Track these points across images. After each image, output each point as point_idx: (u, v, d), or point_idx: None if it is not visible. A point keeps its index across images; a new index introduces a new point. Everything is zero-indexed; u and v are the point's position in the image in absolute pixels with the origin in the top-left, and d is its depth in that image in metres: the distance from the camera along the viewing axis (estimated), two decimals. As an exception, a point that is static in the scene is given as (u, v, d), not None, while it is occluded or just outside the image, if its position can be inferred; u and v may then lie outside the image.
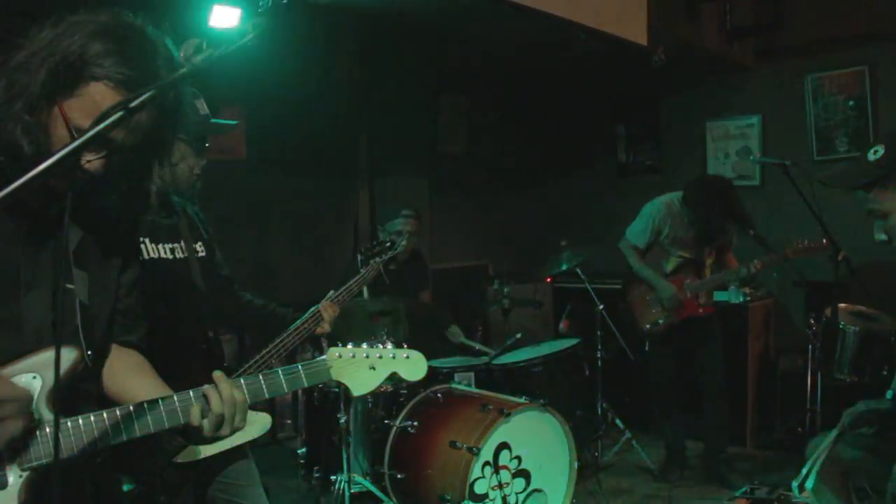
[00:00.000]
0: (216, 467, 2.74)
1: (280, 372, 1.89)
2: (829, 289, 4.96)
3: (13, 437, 1.49)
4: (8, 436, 1.49)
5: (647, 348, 5.31)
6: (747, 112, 6.82)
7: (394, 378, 2.05)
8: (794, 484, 2.88)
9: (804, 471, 2.91)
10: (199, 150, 2.72)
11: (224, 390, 1.78)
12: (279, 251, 6.10)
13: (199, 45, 1.45)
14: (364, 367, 2.01)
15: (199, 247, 2.81)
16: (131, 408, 1.67)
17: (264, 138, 5.75)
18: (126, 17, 1.62)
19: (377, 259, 3.37)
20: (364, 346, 2.03)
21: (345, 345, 2.02)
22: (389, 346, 2.06)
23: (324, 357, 1.99)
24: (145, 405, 1.69)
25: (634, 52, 5.42)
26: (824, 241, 4.54)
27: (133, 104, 1.36)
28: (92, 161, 1.56)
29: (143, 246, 2.62)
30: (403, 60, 6.38)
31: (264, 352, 2.87)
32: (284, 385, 1.88)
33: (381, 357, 2.02)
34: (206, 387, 1.77)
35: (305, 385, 1.93)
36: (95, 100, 1.52)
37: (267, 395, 1.88)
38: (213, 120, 2.77)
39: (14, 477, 1.51)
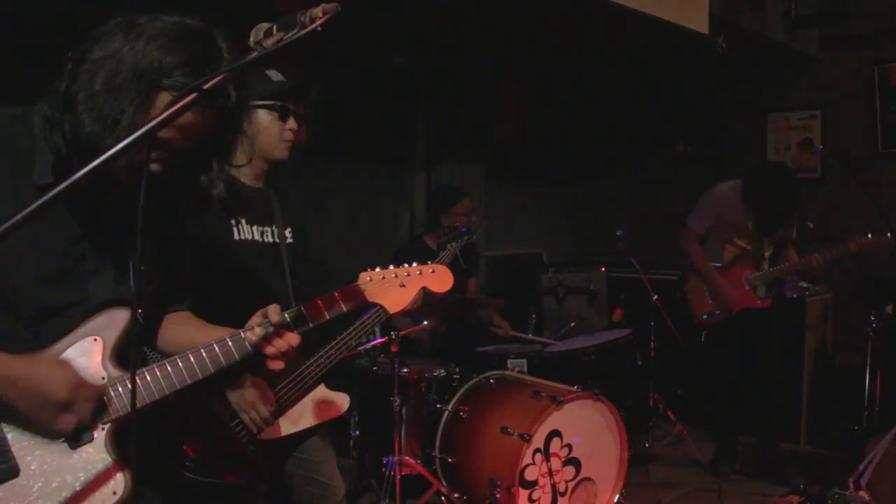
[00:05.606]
0: (293, 443, 2.82)
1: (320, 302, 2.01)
2: (892, 285, 4.88)
3: (81, 422, 1.69)
4: (76, 422, 1.68)
5: (703, 339, 5.21)
6: (810, 103, 6.68)
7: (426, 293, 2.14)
8: (851, 480, 2.85)
9: (861, 467, 2.88)
10: (283, 115, 2.69)
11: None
12: (335, 235, 6.14)
13: (269, 29, 1.46)
14: (395, 286, 2.11)
15: (287, 233, 2.85)
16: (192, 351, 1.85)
17: (323, 123, 5.78)
18: (194, 23, 1.65)
19: (453, 244, 3.41)
20: (391, 267, 2.12)
21: (373, 269, 2.12)
22: (415, 264, 2.15)
23: (356, 283, 2.09)
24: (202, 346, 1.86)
25: (695, 41, 5.34)
26: (889, 235, 4.45)
27: (206, 86, 1.38)
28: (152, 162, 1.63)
29: (237, 226, 2.67)
30: (463, 47, 6.37)
31: (338, 339, 2.91)
32: (326, 314, 2.01)
33: (408, 275, 2.12)
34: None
35: (344, 310, 2.03)
36: (160, 108, 1.57)
37: (311, 325, 2.01)
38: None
39: (97, 431, 1.73)
